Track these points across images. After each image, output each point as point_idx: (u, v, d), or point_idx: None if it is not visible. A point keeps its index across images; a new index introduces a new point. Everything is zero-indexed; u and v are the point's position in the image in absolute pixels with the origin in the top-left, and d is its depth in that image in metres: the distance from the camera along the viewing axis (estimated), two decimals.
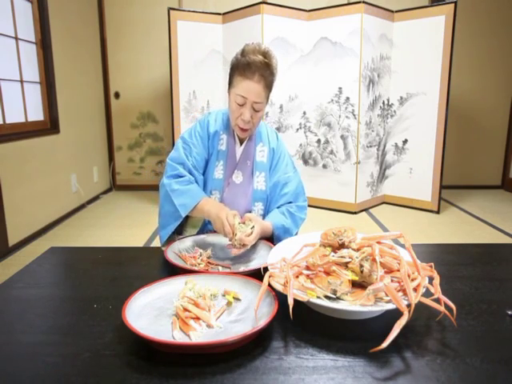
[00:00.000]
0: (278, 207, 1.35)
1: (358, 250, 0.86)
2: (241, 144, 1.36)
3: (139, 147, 4.70)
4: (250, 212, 1.39)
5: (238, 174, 1.36)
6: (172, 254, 1.13)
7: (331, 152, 3.86)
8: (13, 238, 2.84)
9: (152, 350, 0.72)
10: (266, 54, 1.20)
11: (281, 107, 3.75)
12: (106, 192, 4.60)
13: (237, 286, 0.92)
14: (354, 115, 3.65)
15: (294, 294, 0.78)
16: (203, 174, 1.37)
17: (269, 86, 1.24)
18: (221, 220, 1.14)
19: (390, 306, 0.76)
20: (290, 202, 1.36)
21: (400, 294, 0.77)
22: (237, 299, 0.88)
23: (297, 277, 0.86)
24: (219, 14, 3.75)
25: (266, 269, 0.92)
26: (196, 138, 1.33)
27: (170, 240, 1.26)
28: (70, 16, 3.79)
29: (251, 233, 1.12)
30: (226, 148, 1.35)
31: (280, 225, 1.28)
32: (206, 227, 1.39)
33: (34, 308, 0.89)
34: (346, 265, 0.85)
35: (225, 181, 1.36)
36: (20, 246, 2.90)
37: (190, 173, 1.31)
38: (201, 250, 1.18)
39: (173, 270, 1.07)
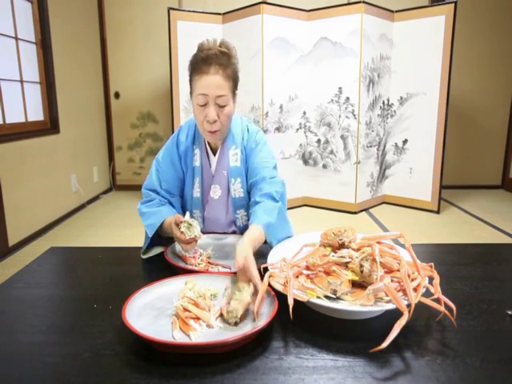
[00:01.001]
0: (257, 201, 1.20)
1: (358, 249, 0.86)
2: (214, 154, 1.29)
3: (139, 147, 4.70)
4: (235, 222, 1.33)
5: (216, 189, 1.30)
6: (172, 254, 1.13)
7: (331, 152, 3.86)
8: (13, 238, 2.84)
9: (152, 350, 0.72)
10: (221, 45, 1.14)
11: (281, 107, 3.75)
12: (106, 192, 4.60)
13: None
14: (354, 115, 3.65)
15: (294, 293, 0.78)
16: (182, 193, 1.34)
17: (230, 77, 1.13)
18: (177, 238, 1.07)
19: (390, 306, 0.75)
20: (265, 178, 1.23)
21: (400, 294, 0.77)
22: None
23: (297, 277, 0.86)
24: (219, 13, 3.75)
25: (266, 269, 0.91)
26: (167, 159, 1.29)
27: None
28: (70, 16, 3.79)
29: (249, 301, 0.82)
30: (200, 163, 1.28)
31: (261, 215, 1.11)
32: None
33: (33, 308, 0.89)
34: (346, 265, 0.85)
35: (203, 198, 1.32)
36: (20, 246, 2.90)
37: (164, 198, 1.28)
38: (201, 250, 1.18)
39: (173, 270, 1.07)
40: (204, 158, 1.29)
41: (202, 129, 1.19)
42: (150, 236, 1.17)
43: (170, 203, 1.29)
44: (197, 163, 1.29)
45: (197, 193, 1.31)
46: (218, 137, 1.21)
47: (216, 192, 1.31)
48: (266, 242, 1.12)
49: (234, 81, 1.16)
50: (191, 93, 1.18)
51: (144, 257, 1.19)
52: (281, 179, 1.26)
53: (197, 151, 1.29)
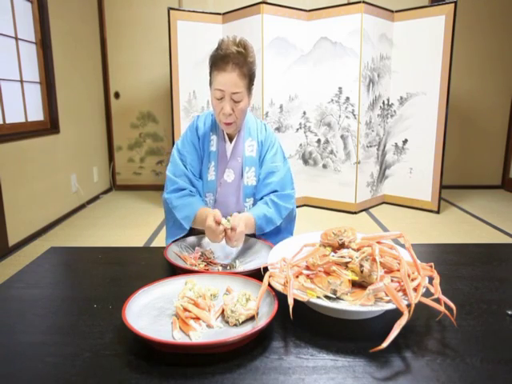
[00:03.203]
0: (263, 197, 1.35)
1: (358, 249, 0.86)
2: (230, 141, 1.36)
3: (139, 147, 4.70)
4: (243, 209, 1.38)
5: (230, 173, 1.36)
6: (172, 254, 1.13)
7: (331, 152, 3.86)
8: (13, 238, 2.84)
9: (152, 350, 0.72)
10: (239, 44, 1.19)
11: (281, 107, 3.75)
12: (106, 192, 4.60)
13: (237, 285, 0.92)
14: (354, 115, 3.65)
15: (293, 294, 0.78)
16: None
17: (246, 75, 1.21)
18: (210, 228, 1.13)
19: (390, 306, 0.75)
20: (276, 191, 1.34)
21: (400, 294, 0.77)
22: None
23: (297, 277, 0.86)
24: (219, 13, 3.75)
25: (266, 269, 0.91)
26: (189, 144, 1.36)
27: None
28: (70, 16, 3.79)
29: (253, 314, 0.80)
30: (216, 148, 1.36)
31: (262, 214, 1.27)
32: None
33: (34, 308, 0.89)
34: (346, 265, 0.85)
35: (217, 181, 1.37)
36: (20, 246, 2.90)
37: (191, 182, 1.34)
38: (201, 250, 1.18)
39: (173, 270, 1.07)
40: (220, 143, 1.36)
41: (219, 119, 1.27)
42: (188, 228, 1.25)
43: (197, 190, 1.36)
44: (213, 148, 1.36)
45: (211, 176, 1.37)
46: (233, 128, 1.29)
47: (230, 176, 1.37)
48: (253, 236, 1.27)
49: (249, 78, 1.23)
50: (210, 85, 1.25)
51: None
52: (293, 193, 1.37)
53: (213, 137, 1.36)
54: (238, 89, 1.19)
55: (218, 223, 1.12)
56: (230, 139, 1.37)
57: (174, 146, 1.39)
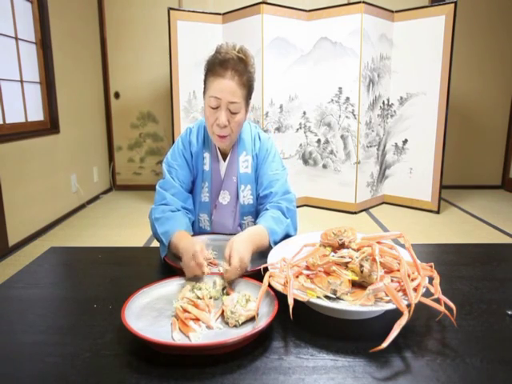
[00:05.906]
0: (266, 206, 1.24)
1: (358, 250, 0.86)
2: (224, 159, 1.27)
3: (139, 147, 4.70)
4: (240, 228, 1.32)
5: (225, 194, 1.29)
6: (171, 255, 1.13)
7: (331, 152, 3.86)
8: (13, 238, 2.84)
9: (152, 351, 0.72)
10: (240, 51, 1.12)
11: (281, 107, 3.75)
12: (106, 192, 4.60)
13: (236, 286, 0.92)
14: (354, 115, 3.65)
15: (293, 294, 0.78)
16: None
17: (245, 85, 1.13)
18: (189, 253, 0.92)
19: (390, 306, 0.75)
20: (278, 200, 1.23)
21: (400, 293, 0.77)
22: None
23: (297, 277, 0.86)
24: (219, 14, 3.75)
25: (266, 269, 0.91)
26: (180, 157, 1.25)
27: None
28: (70, 16, 3.79)
29: (254, 315, 0.79)
30: (210, 168, 1.27)
31: (268, 217, 1.14)
32: (201, 230, 1.36)
33: (34, 308, 0.89)
34: (346, 265, 0.85)
35: (212, 203, 1.30)
36: (20, 246, 2.90)
37: (181, 197, 1.22)
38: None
39: (173, 271, 1.06)
40: (214, 162, 1.27)
41: (211, 131, 1.18)
42: (167, 244, 1.07)
43: (187, 208, 1.23)
44: (206, 167, 1.27)
45: (205, 197, 1.30)
46: (227, 142, 1.20)
47: (225, 198, 1.29)
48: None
49: (248, 89, 1.15)
50: (204, 93, 1.16)
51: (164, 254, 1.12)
52: (293, 194, 1.26)
53: (206, 155, 1.27)
54: (236, 98, 1.11)
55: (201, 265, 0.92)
56: (224, 156, 1.28)
57: (165, 158, 1.28)
